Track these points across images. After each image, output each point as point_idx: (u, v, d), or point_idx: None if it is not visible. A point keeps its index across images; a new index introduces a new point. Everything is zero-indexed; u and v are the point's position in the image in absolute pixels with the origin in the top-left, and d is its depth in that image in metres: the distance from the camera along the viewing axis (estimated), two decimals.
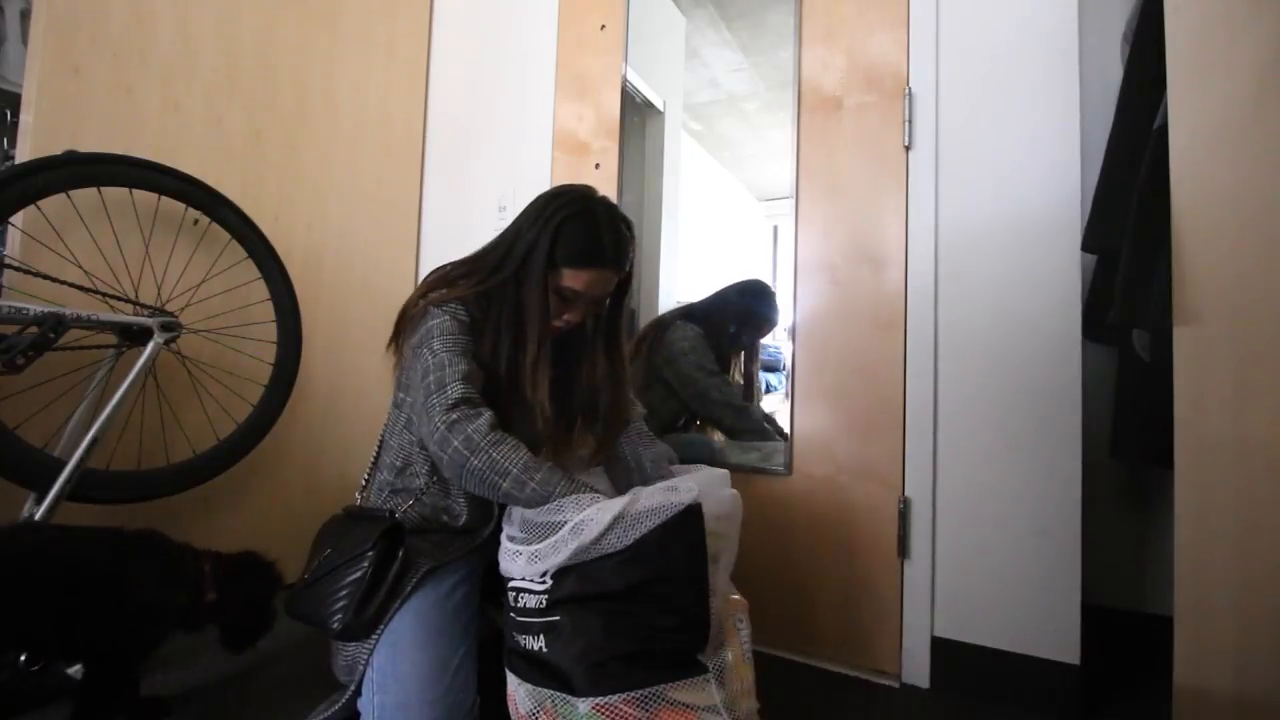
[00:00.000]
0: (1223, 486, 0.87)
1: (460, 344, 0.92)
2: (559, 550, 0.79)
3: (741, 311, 1.69)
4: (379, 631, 0.87)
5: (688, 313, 1.69)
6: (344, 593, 0.86)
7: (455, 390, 0.87)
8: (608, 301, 1.05)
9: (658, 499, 0.79)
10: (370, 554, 0.87)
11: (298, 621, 0.91)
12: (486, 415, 0.87)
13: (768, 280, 1.67)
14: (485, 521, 0.97)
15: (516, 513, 0.88)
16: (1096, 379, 1.39)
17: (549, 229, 0.95)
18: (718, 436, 1.63)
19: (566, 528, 0.79)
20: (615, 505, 0.78)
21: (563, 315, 0.99)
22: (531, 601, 0.82)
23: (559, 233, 0.95)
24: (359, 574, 0.86)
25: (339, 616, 0.85)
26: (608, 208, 0.99)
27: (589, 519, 0.78)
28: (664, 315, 1.71)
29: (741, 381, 1.71)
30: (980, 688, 1.20)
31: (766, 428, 1.57)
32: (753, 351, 1.72)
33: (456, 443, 0.85)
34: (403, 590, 0.88)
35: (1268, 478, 0.85)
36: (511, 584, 0.86)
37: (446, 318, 0.93)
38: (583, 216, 0.96)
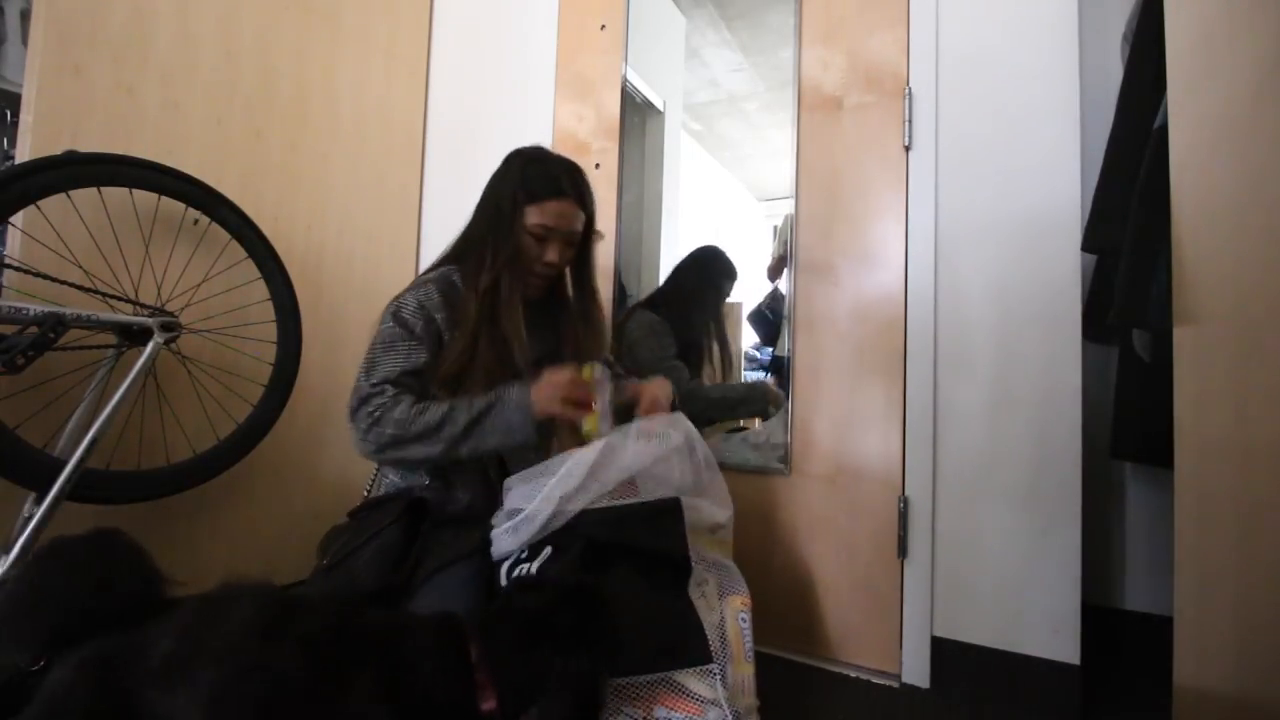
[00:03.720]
0: (1223, 486, 0.88)
1: (399, 347, 1.01)
2: (547, 503, 0.82)
3: (696, 282, 1.73)
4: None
5: (650, 301, 1.72)
6: (373, 558, 0.89)
7: (369, 392, 0.98)
8: (577, 247, 1.12)
9: (635, 447, 0.86)
10: (396, 526, 0.91)
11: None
12: (405, 400, 0.96)
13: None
14: (490, 508, 0.97)
15: (510, 495, 0.91)
16: (1096, 379, 1.39)
17: (512, 176, 1.07)
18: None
19: (552, 480, 0.84)
20: (590, 456, 0.83)
21: (540, 257, 1.06)
22: (525, 570, 0.85)
23: (522, 175, 1.07)
24: (390, 539, 0.90)
25: (374, 575, 0.87)
26: (561, 155, 1.13)
27: (569, 470, 0.83)
28: (630, 306, 1.72)
29: (718, 350, 1.74)
30: (980, 688, 1.20)
31: (719, 401, 1.64)
32: (719, 318, 1.76)
33: (365, 433, 0.95)
34: (414, 588, 0.89)
35: (1268, 478, 0.85)
36: (505, 563, 0.88)
37: (392, 322, 1.03)
38: (539, 159, 1.10)
